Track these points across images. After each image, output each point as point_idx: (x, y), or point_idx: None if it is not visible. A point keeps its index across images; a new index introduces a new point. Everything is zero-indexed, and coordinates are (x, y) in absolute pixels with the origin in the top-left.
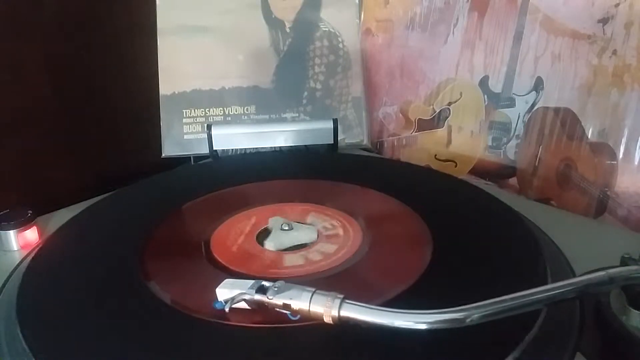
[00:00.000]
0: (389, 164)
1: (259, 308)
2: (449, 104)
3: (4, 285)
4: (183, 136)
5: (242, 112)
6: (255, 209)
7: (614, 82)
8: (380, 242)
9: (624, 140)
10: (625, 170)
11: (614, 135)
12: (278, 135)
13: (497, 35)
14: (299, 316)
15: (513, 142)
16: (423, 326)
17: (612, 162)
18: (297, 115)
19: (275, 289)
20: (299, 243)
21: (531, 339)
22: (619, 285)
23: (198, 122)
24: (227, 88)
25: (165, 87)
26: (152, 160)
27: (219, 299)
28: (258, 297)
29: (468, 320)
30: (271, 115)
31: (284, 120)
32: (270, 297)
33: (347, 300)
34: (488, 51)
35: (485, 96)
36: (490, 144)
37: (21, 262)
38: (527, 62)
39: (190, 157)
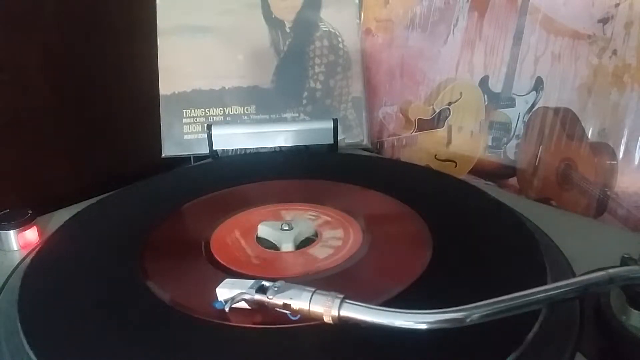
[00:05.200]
0: (389, 164)
1: (259, 308)
2: (449, 104)
3: (4, 285)
4: (183, 136)
5: (242, 112)
6: (255, 209)
7: (614, 82)
8: (380, 242)
9: (624, 140)
10: (625, 170)
11: (614, 135)
12: (278, 135)
13: (497, 35)
14: (299, 316)
15: (513, 142)
16: (423, 326)
17: (612, 162)
18: (297, 115)
19: (275, 288)
20: (307, 236)
21: (531, 339)
22: (619, 285)
23: (198, 122)
24: (227, 88)
25: (165, 87)
26: (152, 160)
27: (219, 299)
28: (258, 296)
29: (468, 320)
30: (271, 115)
31: (284, 120)
32: (270, 297)
33: (347, 300)
34: (488, 51)
35: (485, 96)
36: (490, 144)
37: (21, 262)
38: (527, 62)
39: (190, 157)
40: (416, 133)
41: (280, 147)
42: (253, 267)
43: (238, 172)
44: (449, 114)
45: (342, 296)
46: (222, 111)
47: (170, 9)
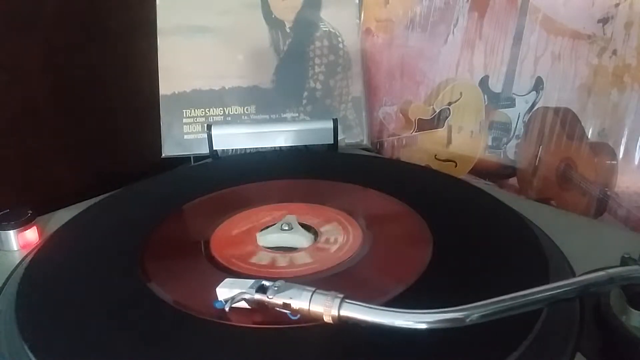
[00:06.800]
0: (389, 164)
1: (259, 307)
2: (449, 104)
3: (4, 285)
4: (183, 136)
5: (242, 112)
6: (255, 209)
7: (614, 82)
8: (381, 242)
9: (624, 140)
10: (625, 170)
11: (614, 135)
12: (278, 135)
13: (497, 35)
14: (299, 316)
15: (513, 142)
16: (423, 326)
17: (612, 162)
18: (297, 115)
19: (275, 288)
20: (288, 246)
21: (531, 339)
22: (619, 285)
23: (198, 122)
24: (227, 88)
25: (165, 87)
26: (152, 160)
27: (219, 299)
28: (258, 296)
29: (468, 320)
30: (271, 115)
31: (284, 120)
32: (270, 297)
33: (347, 300)
34: (488, 51)
35: (485, 96)
36: (490, 144)
37: (21, 262)
38: (527, 62)
39: (190, 157)
40: (416, 133)
41: (280, 147)
42: (253, 267)
43: (238, 172)
44: (449, 114)
45: (342, 296)
46: (222, 111)
47: (170, 9)
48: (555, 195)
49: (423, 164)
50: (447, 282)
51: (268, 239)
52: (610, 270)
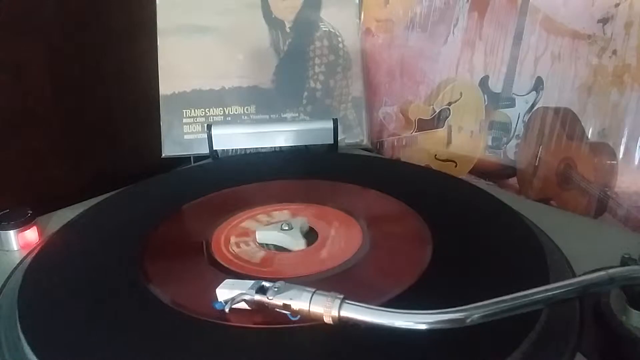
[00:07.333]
0: (389, 164)
1: (259, 308)
2: (449, 104)
3: (4, 285)
4: (183, 136)
5: (242, 112)
6: (255, 209)
7: (614, 82)
8: (381, 242)
9: (624, 140)
10: (625, 170)
11: (614, 135)
12: (278, 135)
13: (497, 35)
14: (299, 316)
15: (513, 142)
16: (423, 326)
17: (612, 162)
18: (297, 115)
19: (275, 289)
20: (281, 246)
21: (531, 339)
22: (619, 285)
23: (198, 122)
24: (227, 88)
25: (165, 87)
26: (152, 160)
27: (219, 299)
28: (258, 297)
29: (468, 320)
30: (271, 115)
31: (284, 120)
32: (270, 298)
33: (347, 301)
34: (488, 51)
35: (485, 96)
36: (490, 144)
37: (21, 262)
38: (527, 62)
39: (190, 157)
40: (416, 133)
41: (280, 147)
42: (253, 268)
43: (238, 172)
44: (449, 114)
45: (342, 296)
46: (222, 111)
47: (170, 9)
48: (555, 195)
49: (423, 164)
50: (447, 282)
51: (264, 234)
52: (611, 271)
